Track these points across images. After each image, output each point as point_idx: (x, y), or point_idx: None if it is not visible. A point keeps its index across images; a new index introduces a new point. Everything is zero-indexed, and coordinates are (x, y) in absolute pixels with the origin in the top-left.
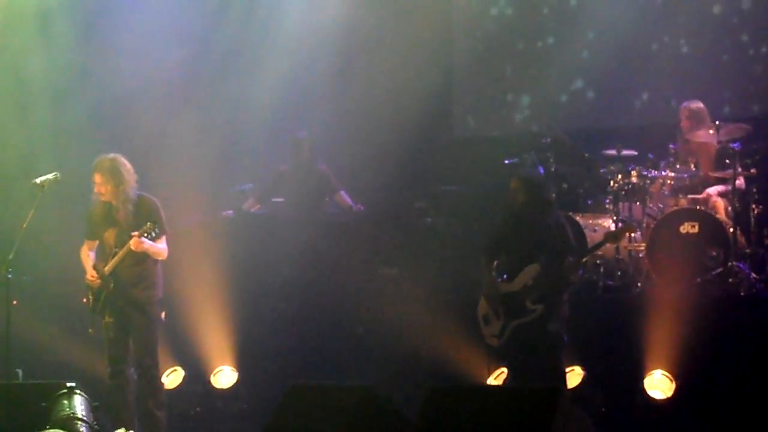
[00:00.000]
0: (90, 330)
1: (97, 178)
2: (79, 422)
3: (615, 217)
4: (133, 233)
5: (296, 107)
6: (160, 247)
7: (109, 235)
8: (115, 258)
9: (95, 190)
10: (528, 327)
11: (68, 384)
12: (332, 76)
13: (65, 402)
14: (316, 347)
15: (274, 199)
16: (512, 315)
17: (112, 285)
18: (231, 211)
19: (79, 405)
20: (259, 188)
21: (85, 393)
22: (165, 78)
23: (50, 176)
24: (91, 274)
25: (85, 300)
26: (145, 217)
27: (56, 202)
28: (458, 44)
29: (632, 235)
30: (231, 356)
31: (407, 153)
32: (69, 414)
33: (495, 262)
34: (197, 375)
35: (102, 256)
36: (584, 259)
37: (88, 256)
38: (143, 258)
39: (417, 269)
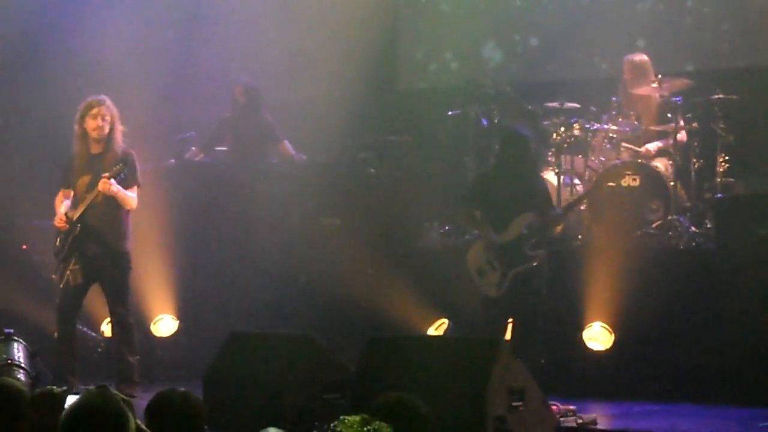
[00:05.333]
0: (53, 276)
1: (102, 110)
2: (17, 368)
3: (557, 170)
4: (103, 174)
5: (239, 55)
6: (129, 194)
7: (82, 183)
8: (84, 202)
9: (93, 124)
10: (526, 274)
11: (6, 330)
12: (276, 25)
13: (2, 348)
14: (257, 296)
15: (217, 148)
16: (511, 264)
17: (78, 231)
18: (173, 160)
19: (16, 352)
20: (202, 137)
21: (23, 340)
22: (109, 26)
23: None
24: (59, 218)
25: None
26: (121, 164)
27: None
28: None
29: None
30: (171, 305)
31: (351, 103)
32: (6, 360)
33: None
34: (137, 323)
35: (75, 204)
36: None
37: (61, 202)
38: (114, 207)
39: (359, 219)
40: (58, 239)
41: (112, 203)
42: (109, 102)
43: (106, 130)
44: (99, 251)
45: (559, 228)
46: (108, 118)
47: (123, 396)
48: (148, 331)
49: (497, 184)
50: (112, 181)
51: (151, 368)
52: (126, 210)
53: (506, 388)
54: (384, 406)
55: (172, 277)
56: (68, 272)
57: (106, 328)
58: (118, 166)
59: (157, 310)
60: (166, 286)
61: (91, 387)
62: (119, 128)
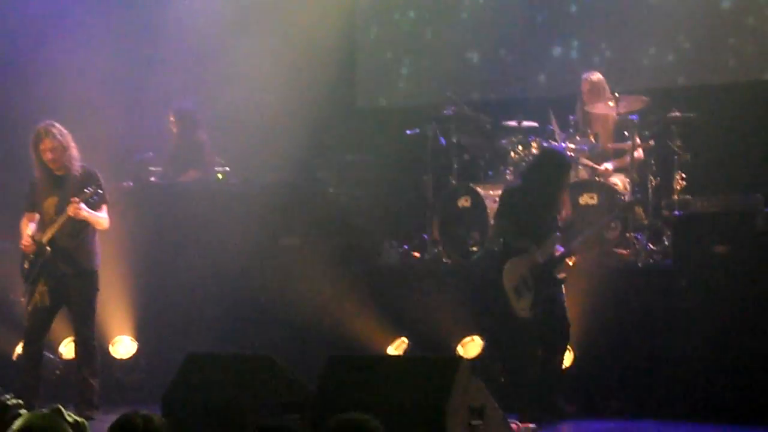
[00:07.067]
0: (21, 298)
1: (48, 143)
2: None
3: None
4: (72, 198)
5: (196, 76)
6: (100, 215)
7: (49, 205)
8: (54, 225)
9: (46, 157)
10: (553, 298)
11: None
12: (233, 45)
13: None
14: (216, 317)
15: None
16: (544, 286)
17: (48, 253)
18: (131, 182)
19: None
20: (163, 158)
21: None
22: (63, 43)
23: None
24: (25, 241)
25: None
26: (88, 184)
27: None
28: (361, 14)
29: None
30: (130, 326)
31: (310, 123)
32: None
33: None
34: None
35: (42, 226)
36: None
37: (27, 225)
38: (82, 228)
39: (318, 239)
40: (27, 262)
41: (81, 223)
42: (54, 129)
43: (59, 155)
44: (69, 271)
45: (571, 262)
46: (57, 146)
47: (78, 418)
48: (107, 353)
49: (533, 201)
50: (82, 205)
51: (109, 390)
52: (94, 229)
53: (466, 407)
54: (338, 427)
55: (130, 298)
56: (37, 294)
57: (64, 350)
58: (88, 189)
59: (116, 331)
60: (125, 307)
61: (45, 409)
62: (73, 147)
